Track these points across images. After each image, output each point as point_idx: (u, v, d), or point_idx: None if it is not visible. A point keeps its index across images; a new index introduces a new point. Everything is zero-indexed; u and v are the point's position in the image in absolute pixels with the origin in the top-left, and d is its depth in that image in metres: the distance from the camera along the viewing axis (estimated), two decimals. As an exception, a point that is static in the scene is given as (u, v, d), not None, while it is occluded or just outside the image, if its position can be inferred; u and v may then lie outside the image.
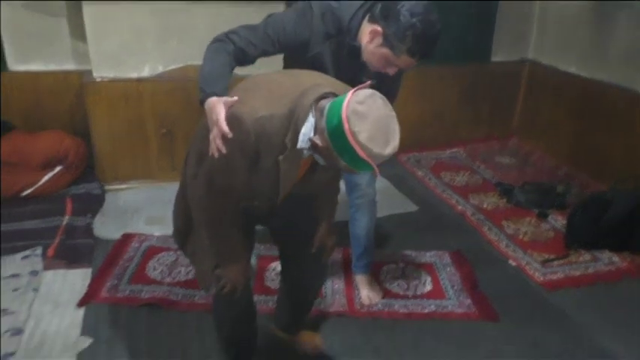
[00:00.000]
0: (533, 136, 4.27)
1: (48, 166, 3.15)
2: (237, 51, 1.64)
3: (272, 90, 1.41)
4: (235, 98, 1.37)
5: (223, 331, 1.81)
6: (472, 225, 3.12)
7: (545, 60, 4.16)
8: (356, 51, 1.73)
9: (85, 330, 2.10)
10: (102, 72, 3.14)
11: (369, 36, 1.69)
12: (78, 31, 3.24)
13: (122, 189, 3.30)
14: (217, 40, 1.64)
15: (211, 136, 1.38)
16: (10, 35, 3.25)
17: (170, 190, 3.28)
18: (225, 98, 1.39)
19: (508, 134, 4.42)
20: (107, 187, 3.27)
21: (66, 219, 2.83)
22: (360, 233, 2.34)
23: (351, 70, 1.76)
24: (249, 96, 1.39)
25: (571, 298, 2.47)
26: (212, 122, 1.38)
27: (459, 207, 3.32)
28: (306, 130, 1.34)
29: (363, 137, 1.24)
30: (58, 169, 3.16)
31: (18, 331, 2.04)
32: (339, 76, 1.62)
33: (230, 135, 1.33)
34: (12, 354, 1.94)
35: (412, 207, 3.29)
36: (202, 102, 1.46)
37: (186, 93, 3.26)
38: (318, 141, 1.31)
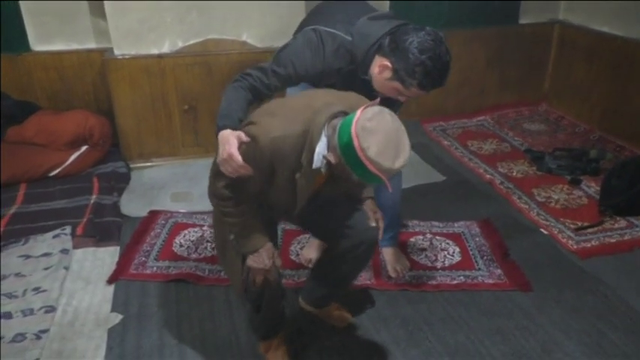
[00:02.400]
0: (564, 101, 4.12)
1: (74, 145, 3.17)
2: (252, 88, 1.72)
3: (286, 111, 1.51)
4: (241, 134, 1.49)
5: (256, 310, 1.81)
6: (501, 194, 3.04)
7: (576, 20, 3.99)
8: (367, 83, 1.76)
9: (116, 306, 2.14)
10: (123, 49, 3.12)
11: (378, 69, 1.70)
12: (98, 9, 3.22)
13: (147, 166, 3.32)
14: (235, 81, 1.73)
15: (218, 159, 1.53)
16: (31, 16, 3.24)
17: (194, 166, 3.33)
18: (238, 132, 1.50)
19: (537, 99, 4.28)
20: (132, 165, 3.29)
21: (93, 198, 2.86)
22: (385, 204, 2.30)
23: (362, 93, 1.75)
24: (265, 118, 1.51)
25: (606, 266, 2.41)
26: (223, 151, 1.49)
27: (487, 176, 3.24)
28: (320, 149, 1.43)
29: (372, 153, 1.31)
30: (84, 148, 3.19)
31: (51, 309, 2.08)
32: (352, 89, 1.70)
33: (242, 163, 1.47)
34: (46, 330, 1.98)
35: (438, 177, 3.23)
36: (217, 135, 1.56)
37: (206, 68, 3.23)
38: (331, 158, 1.40)
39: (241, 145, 1.48)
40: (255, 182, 1.53)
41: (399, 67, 1.64)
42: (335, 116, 1.45)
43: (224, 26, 3.24)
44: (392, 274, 2.33)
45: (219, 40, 3.26)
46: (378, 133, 1.32)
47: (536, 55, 4.15)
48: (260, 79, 1.73)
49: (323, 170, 1.46)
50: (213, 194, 1.64)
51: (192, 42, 3.23)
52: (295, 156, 1.46)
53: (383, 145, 1.32)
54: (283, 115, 1.50)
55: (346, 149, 1.34)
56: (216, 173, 1.60)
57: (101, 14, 3.16)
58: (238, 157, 1.46)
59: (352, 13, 1.82)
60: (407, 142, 1.38)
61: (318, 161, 1.44)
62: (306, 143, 1.44)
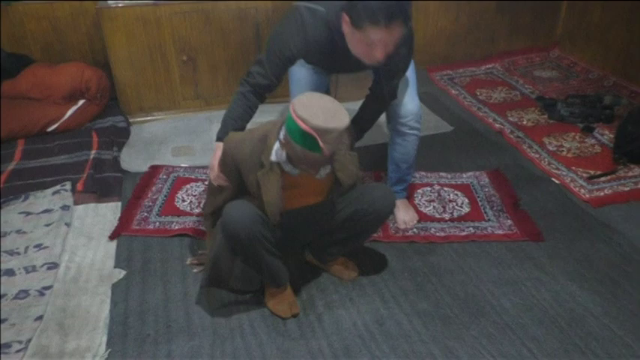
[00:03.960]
0: (577, 46, 3.96)
1: (71, 99, 3.08)
2: (253, 89, 1.89)
3: (253, 127, 1.78)
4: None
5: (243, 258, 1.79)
6: (511, 143, 2.95)
7: (592, -40, 3.78)
8: (347, 51, 1.76)
9: (119, 262, 2.10)
10: (116, -3, 2.99)
11: (344, 28, 1.71)
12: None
13: (147, 120, 3.24)
14: (240, 85, 1.92)
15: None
16: (20, -37, 3.10)
17: (194, 119, 3.25)
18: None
19: (549, 45, 4.12)
20: (132, 120, 3.21)
21: (93, 153, 2.79)
22: (398, 157, 2.24)
23: (347, 63, 1.84)
24: (235, 133, 1.79)
25: (619, 214, 2.35)
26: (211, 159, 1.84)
27: (497, 125, 3.15)
28: (277, 147, 1.62)
29: (303, 113, 1.48)
30: (81, 102, 3.10)
31: (54, 265, 2.05)
32: (342, 67, 1.92)
33: (217, 173, 1.81)
34: (50, 287, 1.95)
35: (446, 127, 3.13)
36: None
37: (205, 16, 3.10)
38: (283, 139, 1.59)
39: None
40: (229, 187, 1.79)
41: (352, 14, 1.64)
42: None
43: (221, -28, 3.08)
44: (400, 225, 2.28)
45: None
46: (312, 104, 1.51)
47: (548, -2, 3.97)
48: (259, 73, 1.87)
49: (285, 168, 1.64)
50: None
51: (188, -12, 3.08)
52: (256, 157, 1.65)
53: (314, 110, 1.49)
54: (249, 129, 1.80)
55: (288, 123, 1.53)
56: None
57: (92, -40, 3.01)
58: (215, 167, 1.80)
59: None
60: (343, 112, 1.52)
61: (274, 156, 1.62)
62: (265, 145, 1.63)
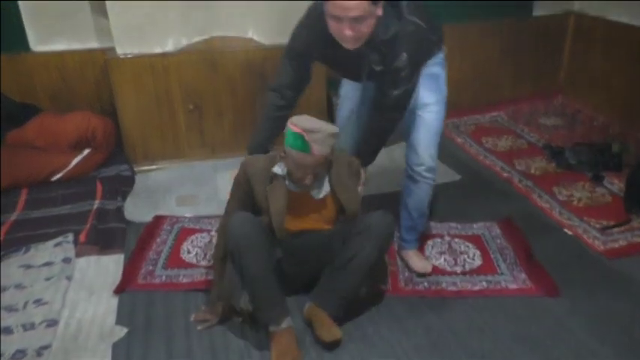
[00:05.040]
0: (580, 94, 3.99)
1: (77, 147, 3.07)
2: (279, 93, 2.02)
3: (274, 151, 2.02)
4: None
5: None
6: (520, 192, 2.92)
7: (593, 11, 3.84)
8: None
9: (121, 318, 2.02)
10: (125, 48, 3.01)
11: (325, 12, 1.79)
12: (99, 7, 3.11)
13: (152, 169, 3.21)
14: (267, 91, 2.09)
15: None
16: (30, 15, 3.13)
17: (200, 168, 3.22)
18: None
19: (553, 92, 4.15)
20: (137, 168, 3.18)
21: (97, 203, 2.75)
22: (410, 204, 2.20)
23: (349, 61, 1.93)
24: (259, 155, 2.01)
25: (636, 267, 2.28)
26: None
27: (505, 174, 3.12)
28: (281, 162, 1.85)
29: (295, 120, 1.75)
30: (86, 151, 3.08)
31: (53, 322, 1.97)
32: (346, 67, 2.02)
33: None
34: (48, 346, 1.87)
35: (454, 176, 3.10)
36: None
37: (212, 65, 3.12)
38: (283, 152, 1.81)
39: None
40: (241, 200, 1.94)
41: None
42: None
43: (229, 23, 3.12)
44: (420, 270, 2.23)
45: (224, 37, 3.15)
46: (303, 117, 1.77)
47: (550, 46, 4.02)
48: (279, 73, 2.02)
49: (284, 178, 1.85)
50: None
51: (196, 40, 3.12)
52: (266, 172, 1.87)
53: (304, 118, 1.76)
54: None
55: (286, 135, 1.77)
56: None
57: (102, 12, 3.05)
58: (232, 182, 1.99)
59: None
60: (328, 126, 1.75)
61: (278, 168, 1.85)
62: (274, 161, 1.88)
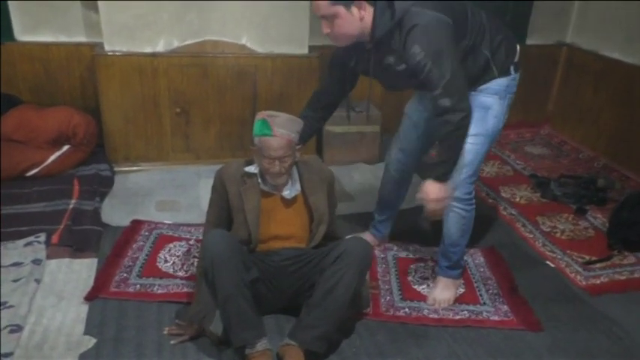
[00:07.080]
0: (568, 125, 4.02)
1: (56, 144, 2.97)
2: (316, 96, 2.21)
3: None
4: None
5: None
6: (505, 220, 2.90)
7: (585, 44, 3.89)
8: (362, 45, 1.94)
9: (90, 327, 1.93)
10: (114, 45, 2.93)
11: None
12: (90, 1, 3.03)
13: (133, 170, 3.13)
14: None
15: None
16: (18, 3, 3.04)
17: (183, 173, 3.14)
18: None
19: (540, 122, 4.17)
20: (117, 169, 3.09)
21: (73, 202, 2.65)
22: (444, 231, 2.19)
23: (376, 67, 1.93)
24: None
25: (617, 304, 2.27)
26: None
27: (490, 200, 3.11)
28: (254, 163, 1.94)
29: (261, 112, 1.88)
30: (66, 147, 2.99)
31: (18, 328, 1.87)
32: (379, 75, 1.99)
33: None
34: (10, 354, 1.77)
35: (440, 198, 3.07)
36: None
37: (202, 70, 3.06)
38: (253, 146, 1.89)
39: None
40: (218, 206, 1.99)
41: None
42: None
43: (223, 28, 3.07)
44: (429, 302, 2.20)
45: (217, 42, 3.09)
46: (272, 113, 1.86)
47: (541, 76, 4.05)
48: (323, 78, 2.25)
49: (256, 176, 1.93)
50: None
51: (188, 42, 3.05)
52: (239, 174, 1.94)
53: (271, 111, 1.86)
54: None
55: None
56: None
57: (94, 7, 2.97)
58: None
59: None
60: (295, 119, 1.87)
61: (252, 167, 1.94)
62: (248, 164, 1.97)
